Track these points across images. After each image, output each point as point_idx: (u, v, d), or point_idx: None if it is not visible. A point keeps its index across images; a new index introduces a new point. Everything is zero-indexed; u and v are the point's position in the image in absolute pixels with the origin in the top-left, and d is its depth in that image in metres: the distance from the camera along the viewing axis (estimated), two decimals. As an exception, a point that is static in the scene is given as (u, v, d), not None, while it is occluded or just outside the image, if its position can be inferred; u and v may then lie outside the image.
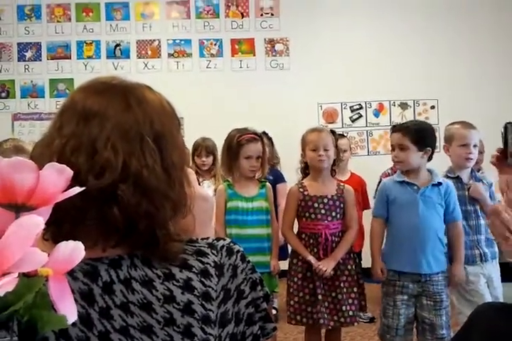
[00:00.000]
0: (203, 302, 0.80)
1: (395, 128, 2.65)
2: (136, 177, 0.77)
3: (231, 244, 0.89)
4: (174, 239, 0.83)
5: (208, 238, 0.90)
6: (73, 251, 0.49)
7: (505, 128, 1.54)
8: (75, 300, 0.75)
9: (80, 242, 0.51)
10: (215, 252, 0.85)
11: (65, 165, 0.54)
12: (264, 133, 4.00)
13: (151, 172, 0.78)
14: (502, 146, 1.56)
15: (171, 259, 0.81)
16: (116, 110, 0.81)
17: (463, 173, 2.71)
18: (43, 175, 0.51)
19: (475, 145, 2.75)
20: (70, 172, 0.54)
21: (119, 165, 0.76)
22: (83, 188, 0.55)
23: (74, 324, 0.73)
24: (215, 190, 3.21)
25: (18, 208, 0.49)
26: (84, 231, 0.76)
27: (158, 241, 0.80)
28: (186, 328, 0.78)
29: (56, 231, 0.75)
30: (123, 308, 0.76)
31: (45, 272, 0.44)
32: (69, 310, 0.45)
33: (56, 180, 0.51)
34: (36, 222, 0.43)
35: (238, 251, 0.88)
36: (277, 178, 3.77)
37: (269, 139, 4.01)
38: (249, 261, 0.89)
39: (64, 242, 0.50)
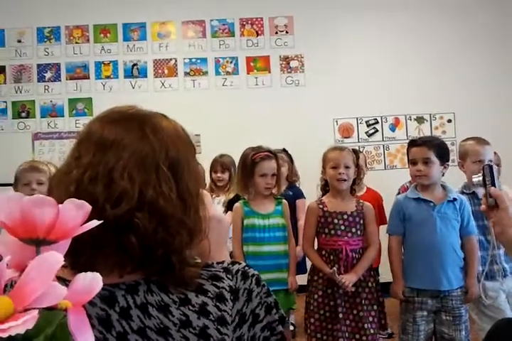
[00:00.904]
0: (219, 327, 0.81)
1: (417, 143, 2.62)
2: (152, 206, 0.79)
3: (246, 268, 0.90)
4: (190, 264, 0.85)
5: (223, 262, 0.91)
6: (91, 282, 0.51)
7: (483, 170, 1.56)
8: (93, 325, 0.77)
9: (98, 273, 0.53)
10: (230, 276, 0.86)
11: (84, 201, 0.57)
12: (284, 150, 4.03)
13: (167, 200, 0.80)
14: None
15: (187, 284, 0.82)
16: (132, 139, 0.83)
17: (478, 189, 2.69)
18: (63, 210, 0.53)
19: (489, 161, 2.74)
20: (88, 207, 0.56)
21: (136, 194, 0.78)
22: (101, 221, 0.57)
23: (93, 349, 0.76)
24: (224, 203, 3.23)
25: (39, 242, 0.51)
26: (101, 259, 0.78)
27: (174, 267, 0.81)
28: None
29: (74, 259, 0.77)
30: (140, 333, 0.77)
31: (64, 305, 0.46)
32: (87, 341, 0.47)
33: (75, 215, 0.53)
34: (57, 258, 0.45)
35: (253, 275, 0.89)
36: (297, 194, 3.77)
37: (289, 156, 4.03)
38: (264, 285, 0.90)
39: (82, 274, 0.52)
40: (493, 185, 1.56)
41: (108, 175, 0.79)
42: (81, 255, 0.77)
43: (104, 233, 0.76)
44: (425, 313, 2.45)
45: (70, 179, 0.80)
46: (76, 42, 5.22)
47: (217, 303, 0.82)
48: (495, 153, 3.54)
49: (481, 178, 1.59)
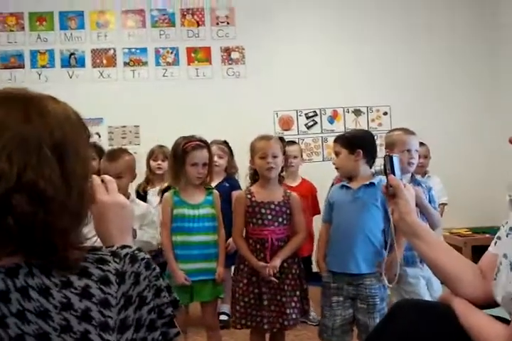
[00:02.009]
0: (101, 309, 0.82)
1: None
2: (31, 188, 0.78)
3: (136, 252, 0.91)
4: (74, 247, 0.86)
5: (113, 246, 0.92)
6: None
7: (384, 159, 1.65)
8: (-29, 309, 0.77)
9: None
10: (117, 260, 0.87)
11: None
12: (225, 142, 4.04)
13: (48, 183, 0.80)
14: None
15: (71, 267, 0.83)
16: (15, 120, 0.82)
17: (404, 178, 2.79)
18: None
19: (416, 151, 2.84)
20: None
21: (14, 176, 0.78)
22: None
23: (-32, 334, 0.76)
24: (159, 192, 3.22)
25: None
26: None
27: (57, 249, 0.82)
28: (83, 335, 0.79)
29: None
30: (19, 316, 0.77)
31: None
32: None
33: None
34: None
35: (143, 259, 0.91)
36: (233, 186, 3.80)
37: (229, 148, 4.04)
38: (154, 269, 0.92)
39: None
40: (393, 174, 1.64)
41: None
42: None
43: None
44: (341, 299, 2.51)
45: None
46: (10, 31, 5.05)
47: (101, 286, 0.83)
48: (423, 144, 3.67)
49: (382, 167, 1.67)
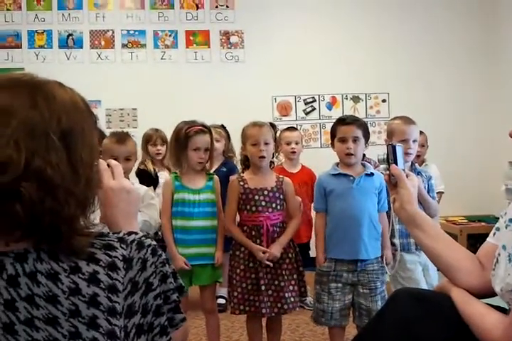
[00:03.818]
0: (109, 295, 0.83)
1: (347, 121, 2.65)
2: (39, 175, 0.79)
3: (142, 238, 0.92)
4: (81, 233, 0.86)
5: (120, 232, 0.93)
6: None
7: (387, 148, 1.65)
8: (-20, 292, 0.77)
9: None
10: (124, 246, 0.88)
11: None
12: (222, 126, 4.02)
13: (55, 170, 0.80)
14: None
15: (78, 253, 0.84)
16: (22, 107, 0.81)
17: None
18: None
19: (414, 141, 2.83)
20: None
21: (22, 163, 0.77)
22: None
23: (-21, 315, 0.76)
24: None
25: None
26: None
27: (63, 236, 0.82)
28: (91, 319, 0.81)
29: None
30: (28, 300, 0.79)
31: None
32: None
33: None
34: None
35: (149, 245, 0.91)
36: (231, 170, 3.79)
37: (227, 132, 4.03)
38: (161, 255, 0.92)
39: None
40: (396, 163, 1.64)
41: None
42: None
43: None
44: (340, 285, 2.54)
45: None
46: (7, 10, 4.98)
47: (109, 272, 0.84)
48: (422, 132, 3.67)
49: (385, 156, 1.67)
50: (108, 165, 1.08)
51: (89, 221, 0.89)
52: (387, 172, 1.67)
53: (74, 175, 0.83)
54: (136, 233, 0.92)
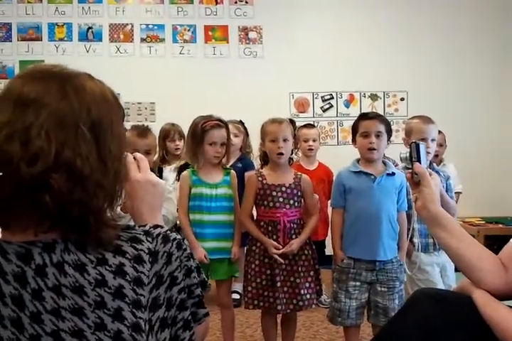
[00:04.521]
0: (135, 287, 0.82)
1: (370, 116, 2.65)
2: (68, 166, 0.78)
3: (168, 232, 0.91)
4: (108, 225, 0.86)
5: (145, 225, 0.92)
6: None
7: (410, 146, 1.62)
8: (8, 281, 0.78)
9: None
10: (150, 239, 0.88)
11: None
12: (240, 121, 4.02)
13: (85, 162, 0.80)
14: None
15: (105, 245, 0.84)
16: (52, 98, 0.81)
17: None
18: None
19: (433, 140, 2.80)
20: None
21: (52, 154, 0.77)
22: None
23: (6, 304, 0.77)
24: (175, 169, 3.23)
25: None
26: (15, 216, 0.78)
27: (91, 227, 0.82)
28: (117, 311, 0.81)
29: None
30: (55, 290, 0.79)
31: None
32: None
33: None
34: None
35: (174, 239, 0.91)
36: (247, 166, 3.79)
37: (245, 128, 4.02)
38: (185, 249, 0.92)
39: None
40: (419, 161, 1.62)
41: (25, 134, 0.78)
42: None
43: (18, 191, 0.77)
44: (358, 283, 2.52)
45: None
46: (28, 2, 5.02)
47: (135, 264, 0.84)
48: (440, 132, 3.63)
49: (408, 154, 1.65)
50: (134, 158, 1.08)
51: (115, 213, 0.89)
52: (410, 170, 1.65)
53: (103, 167, 0.83)
54: (161, 226, 0.92)
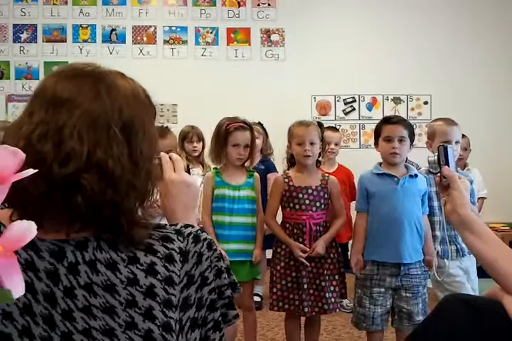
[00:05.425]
0: (166, 287, 0.82)
1: (393, 120, 2.62)
2: (100, 167, 0.78)
3: (199, 232, 0.90)
4: (140, 224, 0.85)
5: (177, 224, 0.91)
6: (25, 230, 0.51)
7: (438, 150, 1.59)
8: (40, 278, 0.77)
9: (33, 222, 0.53)
10: (181, 239, 0.87)
11: (17, 148, 0.56)
12: (259, 123, 4.02)
13: (117, 162, 0.79)
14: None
15: (136, 244, 0.83)
16: (85, 98, 0.81)
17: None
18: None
19: (457, 142, 2.75)
20: (22, 155, 0.56)
21: (84, 155, 0.77)
22: (35, 170, 0.57)
23: (38, 301, 0.76)
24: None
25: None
26: (48, 216, 0.78)
27: (122, 227, 0.82)
28: (148, 310, 0.80)
29: (22, 213, 0.77)
30: (87, 289, 0.78)
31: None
32: (15, 286, 0.47)
33: (9, 162, 0.53)
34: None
35: (205, 239, 0.90)
36: (269, 168, 3.79)
37: (264, 130, 4.02)
38: (216, 250, 0.91)
39: (18, 221, 0.52)
40: (448, 165, 1.59)
41: (58, 134, 0.78)
42: (28, 210, 0.77)
43: (51, 191, 0.76)
44: (383, 290, 2.50)
45: (20, 135, 0.78)
46: (54, 4, 5.08)
47: (166, 264, 0.83)
48: (464, 136, 3.58)
49: (436, 158, 1.62)
50: (170, 159, 1.08)
51: (147, 212, 0.88)
52: (438, 174, 1.62)
53: (134, 167, 0.82)
54: (192, 226, 0.91)
